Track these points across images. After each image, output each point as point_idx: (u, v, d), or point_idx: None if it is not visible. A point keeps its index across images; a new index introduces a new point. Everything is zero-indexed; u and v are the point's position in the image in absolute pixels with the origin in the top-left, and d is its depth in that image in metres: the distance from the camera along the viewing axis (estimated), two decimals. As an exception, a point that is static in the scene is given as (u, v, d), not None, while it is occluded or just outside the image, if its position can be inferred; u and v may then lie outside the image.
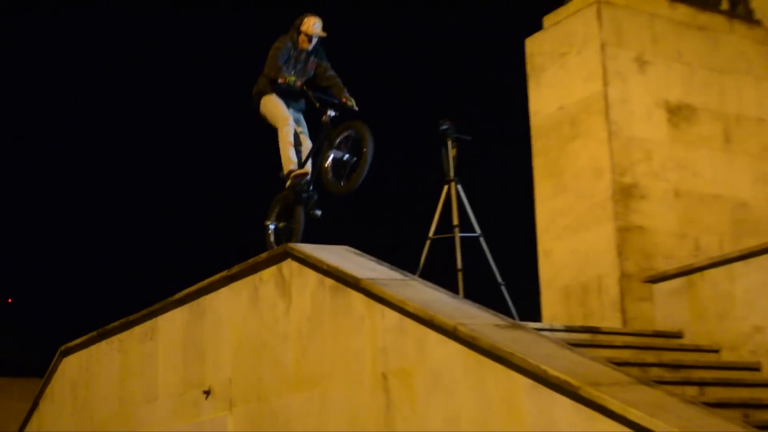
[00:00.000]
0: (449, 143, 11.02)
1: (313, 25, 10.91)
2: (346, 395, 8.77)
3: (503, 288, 10.84)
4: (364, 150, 10.31)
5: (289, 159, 11.01)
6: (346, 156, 10.69)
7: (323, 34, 10.99)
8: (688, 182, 12.20)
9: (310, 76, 11.23)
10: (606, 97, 12.08)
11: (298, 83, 10.83)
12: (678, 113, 12.42)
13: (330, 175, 10.80)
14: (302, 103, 11.35)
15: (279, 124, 11.02)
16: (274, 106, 11.05)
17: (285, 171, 11.04)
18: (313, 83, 11.22)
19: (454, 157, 11.05)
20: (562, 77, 12.58)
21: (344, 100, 10.81)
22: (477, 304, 8.66)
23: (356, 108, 10.80)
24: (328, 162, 10.79)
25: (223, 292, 10.61)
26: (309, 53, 11.06)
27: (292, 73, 10.95)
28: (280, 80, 10.75)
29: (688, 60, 12.74)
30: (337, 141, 10.76)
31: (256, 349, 10.03)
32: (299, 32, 10.95)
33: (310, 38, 10.93)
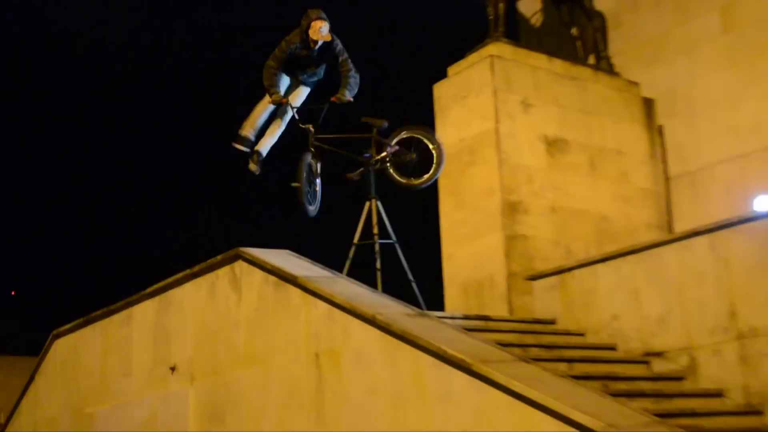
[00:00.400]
0: (371, 167, 11.01)
1: (319, 29, 9.92)
2: (286, 370, 8.74)
3: (414, 284, 10.82)
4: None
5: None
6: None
7: (328, 38, 10.00)
8: (561, 200, 12.33)
9: (320, 71, 10.47)
10: (497, 132, 12.16)
11: (283, 101, 10.19)
12: (554, 145, 12.54)
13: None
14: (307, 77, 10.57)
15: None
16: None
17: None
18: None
19: (375, 179, 11.04)
20: (463, 116, 12.65)
21: (333, 99, 10.19)
22: (392, 297, 8.68)
23: (348, 99, 10.23)
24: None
25: (187, 286, 10.53)
26: (320, 50, 10.08)
27: (297, 76, 10.36)
28: (273, 99, 10.13)
29: (562, 103, 12.87)
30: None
31: (212, 334, 9.96)
32: (307, 34, 9.98)
33: (315, 42, 9.99)
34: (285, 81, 10.48)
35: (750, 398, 8.60)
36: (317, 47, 10.09)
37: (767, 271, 8.60)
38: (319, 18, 9.97)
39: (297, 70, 10.44)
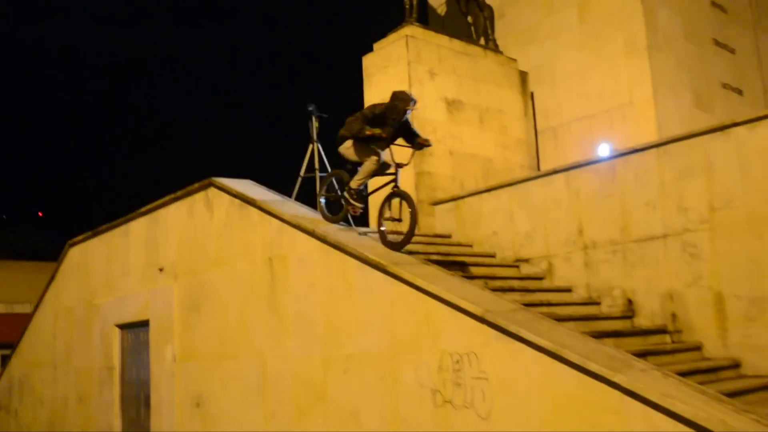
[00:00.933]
0: (313, 118, 10.82)
1: (411, 103, 7.72)
2: (247, 270, 8.62)
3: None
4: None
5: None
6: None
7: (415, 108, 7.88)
8: (457, 146, 12.24)
9: (395, 130, 7.90)
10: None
11: (383, 135, 7.80)
12: (452, 105, 12.42)
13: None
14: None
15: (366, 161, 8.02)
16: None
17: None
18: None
19: (316, 127, 10.86)
20: (385, 81, 12.43)
21: (421, 141, 7.92)
22: (328, 216, 8.59)
23: (430, 143, 8.00)
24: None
25: (172, 207, 10.29)
26: (401, 119, 7.80)
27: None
28: (367, 133, 7.69)
29: (459, 73, 12.73)
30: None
31: (191, 243, 9.77)
32: (399, 107, 7.73)
33: (406, 112, 7.72)
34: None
35: (591, 293, 8.75)
36: (405, 116, 7.91)
37: (605, 200, 8.69)
38: (411, 95, 7.92)
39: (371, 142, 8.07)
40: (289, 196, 10.01)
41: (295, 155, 10.95)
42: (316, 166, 10.60)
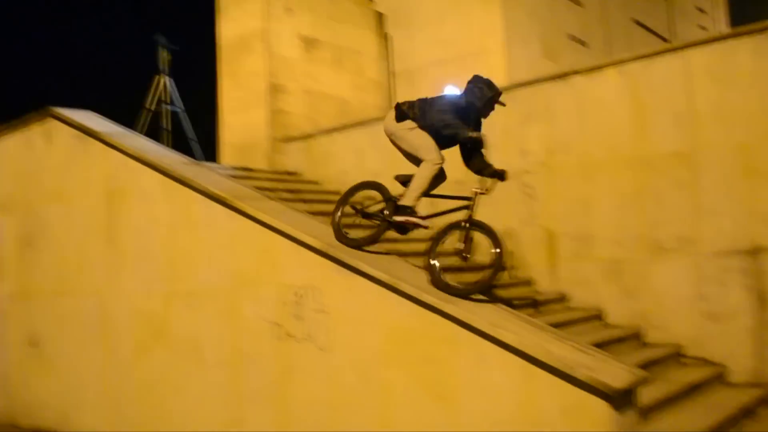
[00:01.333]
0: (160, 49, 10.38)
1: (498, 96, 5.74)
2: (86, 205, 8.21)
3: (193, 142, 10.45)
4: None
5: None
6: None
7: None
8: (313, 85, 12.11)
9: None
10: (266, 31, 11.70)
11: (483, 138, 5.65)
12: (309, 43, 12.23)
13: None
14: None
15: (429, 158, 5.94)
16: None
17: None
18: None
19: (168, 60, 10.44)
20: (240, 16, 12.05)
21: (498, 170, 5.77)
22: (174, 151, 8.30)
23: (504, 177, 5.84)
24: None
25: (6, 138, 9.57)
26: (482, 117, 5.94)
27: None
28: (470, 135, 5.56)
29: (317, 11, 12.51)
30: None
31: (28, 176, 9.17)
32: (492, 101, 5.79)
33: (492, 107, 5.83)
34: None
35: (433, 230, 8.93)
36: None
37: (453, 141, 8.84)
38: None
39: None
40: (136, 129, 9.59)
41: (143, 88, 10.49)
42: (164, 98, 10.22)
